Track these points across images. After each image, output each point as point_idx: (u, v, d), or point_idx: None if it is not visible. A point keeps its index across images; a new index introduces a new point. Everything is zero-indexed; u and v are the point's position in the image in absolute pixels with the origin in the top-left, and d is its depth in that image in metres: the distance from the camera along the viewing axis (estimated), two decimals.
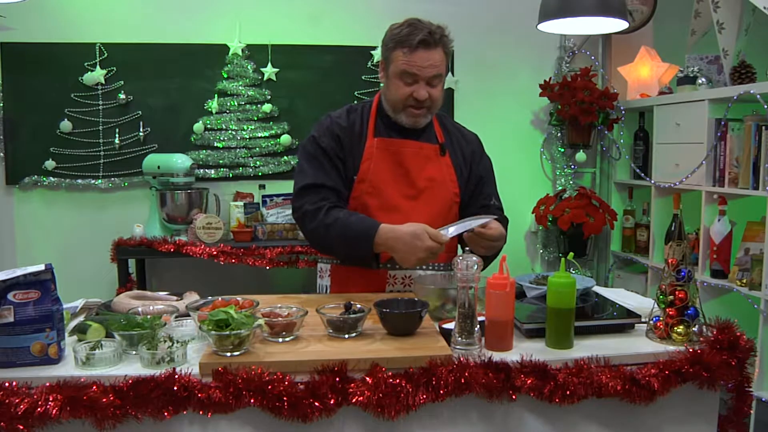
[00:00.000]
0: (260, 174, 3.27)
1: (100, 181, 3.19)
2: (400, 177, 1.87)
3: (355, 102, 2.03)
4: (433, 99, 1.83)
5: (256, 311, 1.41)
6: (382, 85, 1.91)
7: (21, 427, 1.14)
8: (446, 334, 1.36)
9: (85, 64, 3.13)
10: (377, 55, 3.21)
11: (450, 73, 3.37)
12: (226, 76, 3.23)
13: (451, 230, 1.69)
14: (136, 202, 3.23)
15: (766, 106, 2.43)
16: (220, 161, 3.25)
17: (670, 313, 1.40)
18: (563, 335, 1.36)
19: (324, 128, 1.89)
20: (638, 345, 1.39)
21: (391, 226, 1.71)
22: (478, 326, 1.31)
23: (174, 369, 1.21)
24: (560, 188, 3.40)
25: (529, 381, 1.24)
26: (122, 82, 3.16)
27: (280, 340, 1.37)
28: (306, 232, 1.87)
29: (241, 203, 3.07)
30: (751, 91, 2.48)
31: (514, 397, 1.25)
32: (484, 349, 1.33)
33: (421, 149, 1.89)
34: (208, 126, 3.23)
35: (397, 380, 1.21)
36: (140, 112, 3.19)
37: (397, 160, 1.87)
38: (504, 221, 1.95)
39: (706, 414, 1.38)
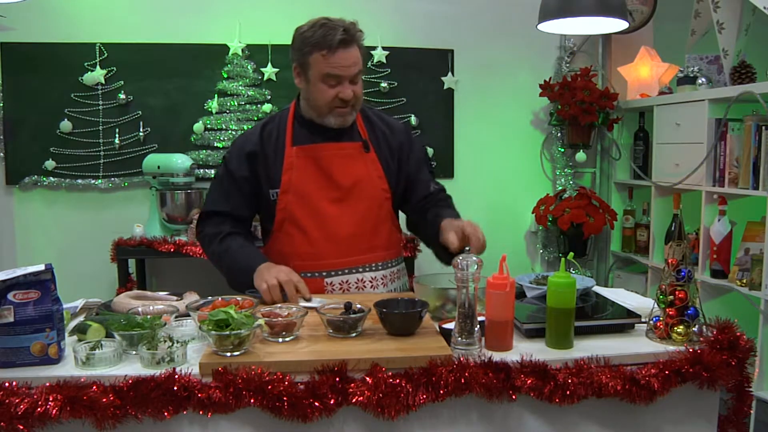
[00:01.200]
0: None
1: (100, 181, 3.19)
2: (323, 182, 1.84)
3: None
4: (357, 96, 1.82)
5: (256, 311, 1.42)
6: (301, 90, 1.87)
7: (21, 427, 1.14)
8: (446, 334, 1.36)
9: (85, 64, 3.13)
10: (377, 55, 3.20)
11: (450, 73, 3.36)
12: (226, 76, 3.23)
13: (315, 302, 1.63)
14: (136, 202, 3.23)
15: (766, 106, 2.42)
16: (220, 161, 3.23)
17: (670, 313, 1.40)
18: (563, 335, 1.36)
19: (234, 149, 1.92)
20: (638, 345, 1.39)
21: (268, 264, 1.73)
22: (478, 326, 1.31)
23: (174, 369, 1.21)
24: (560, 188, 3.40)
25: (529, 381, 1.24)
26: (122, 82, 3.16)
27: (280, 340, 1.37)
28: (206, 255, 1.92)
29: None
30: (751, 91, 2.48)
31: (514, 397, 1.25)
32: (484, 349, 1.33)
33: (342, 149, 1.86)
34: (208, 126, 3.23)
35: (397, 380, 1.21)
36: (140, 112, 3.19)
37: (318, 165, 1.84)
38: (448, 198, 1.97)
39: (706, 414, 1.38)
